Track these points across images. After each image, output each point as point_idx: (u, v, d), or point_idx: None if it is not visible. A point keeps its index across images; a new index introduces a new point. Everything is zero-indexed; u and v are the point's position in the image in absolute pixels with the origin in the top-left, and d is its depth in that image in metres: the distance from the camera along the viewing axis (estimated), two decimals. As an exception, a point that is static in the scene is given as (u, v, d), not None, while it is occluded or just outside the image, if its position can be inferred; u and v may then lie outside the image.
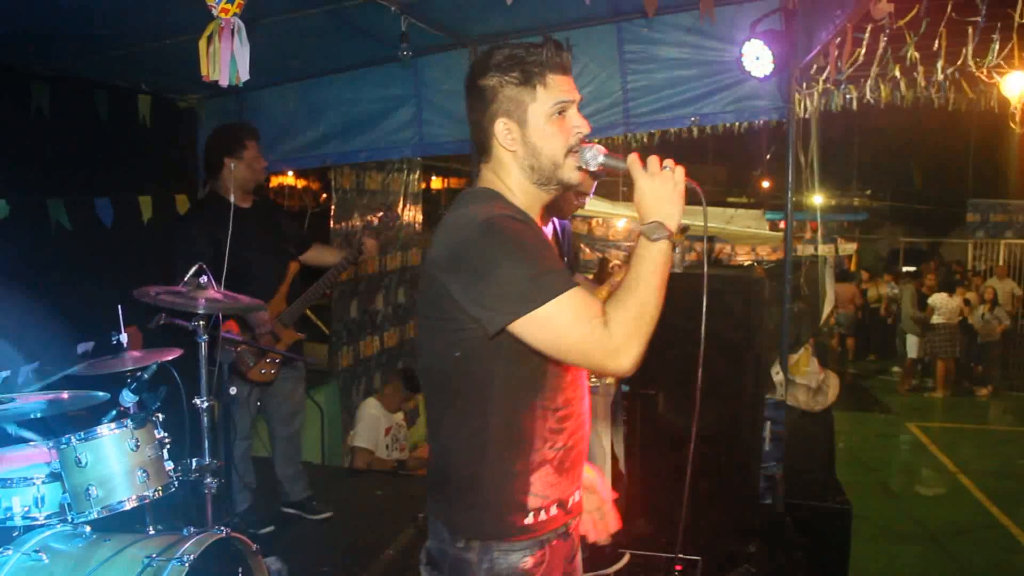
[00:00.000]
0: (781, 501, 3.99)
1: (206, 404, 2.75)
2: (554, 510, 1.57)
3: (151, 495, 2.26)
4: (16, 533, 2.18)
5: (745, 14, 4.07)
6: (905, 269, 16.63)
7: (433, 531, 1.63)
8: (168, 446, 2.40)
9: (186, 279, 2.73)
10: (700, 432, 1.62)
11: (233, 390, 3.11)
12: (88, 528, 2.20)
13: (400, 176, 6.63)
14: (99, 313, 2.64)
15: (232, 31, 2.54)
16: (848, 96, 4.80)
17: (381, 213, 3.60)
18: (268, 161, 3.78)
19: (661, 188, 1.49)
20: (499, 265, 1.42)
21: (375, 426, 5.24)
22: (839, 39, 3.63)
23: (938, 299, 11.52)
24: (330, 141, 4.98)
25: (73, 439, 2.18)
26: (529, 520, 1.54)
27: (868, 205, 20.90)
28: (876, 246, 19.95)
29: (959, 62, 4.06)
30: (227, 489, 3.00)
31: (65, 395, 2.43)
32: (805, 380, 5.40)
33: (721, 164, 20.50)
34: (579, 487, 1.66)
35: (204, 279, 2.71)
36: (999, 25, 3.83)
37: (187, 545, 2.06)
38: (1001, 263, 14.15)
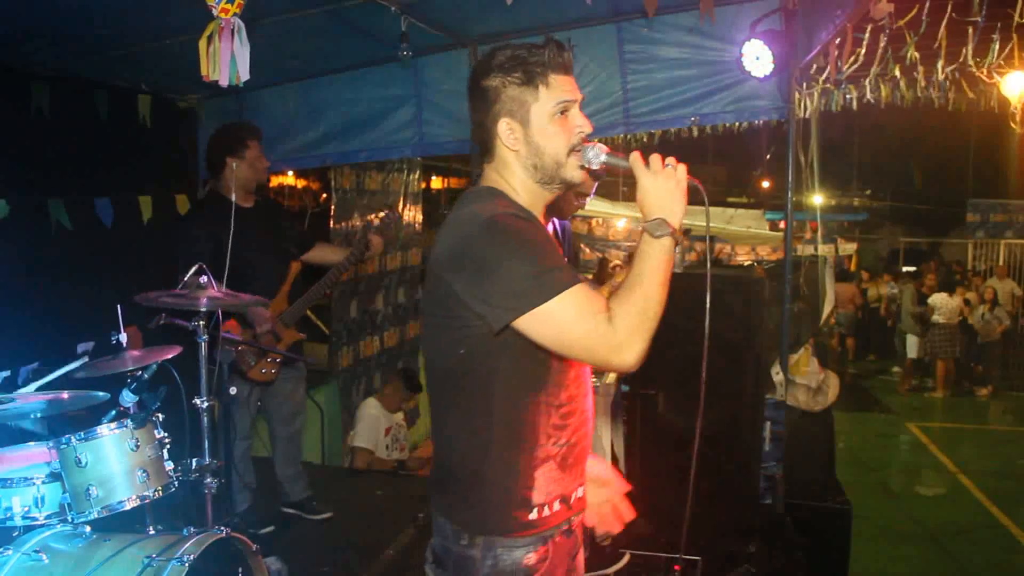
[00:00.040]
0: (781, 501, 3.99)
1: (206, 404, 2.76)
2: (557, 506, 1.58)
3: (151, 495, 2.26)
4: (16, 533, 2.18)
5: (745, 14, 4.07)
6: (905, 269, 16.64)
7: (437, 529, 1.63)
8: (168, 446, 2.40)
9: (186, 279, 2.72)
10: (701, 432, 1.62)
11: (233, 390, 3.11)
12: (88, 528, 2.20)
13: (400, 176, 6.62)
14: (99, 313, 2.64)
15: (232, 31, 2.54)
16: (848, 96, 4.80)
17: (384, 213, 3.60)
18: (268, 161, 3.78)
19: (664, 185, 1.51)
20: (503, 262, 1.43)
21: (375, 426, 5.24)
22: (839, 39, 3.64)
23: (938, 299, 11.52)
24: (330, 141, 4.98)
25: (73, 439, 2.17)
26: (533, 516, 1.55)
27: (868, 205, 20.92)
28: (876, 246, 19.96)
29: (959, 62, 4.07)
30: (227, 489, 3.00)
31: (65, 395, 2.43)
32: (805, 380, 5.40)
33: (721, 164, 20.51)
34: (582, 483, 1.67)
35: (204, 279, 2.71)
36: (999, 25, 3.83)
37: (187, 545, 2.05)
38: (1001, 263, 14.15)
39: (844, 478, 4.67)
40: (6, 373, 2.94)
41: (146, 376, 2.38)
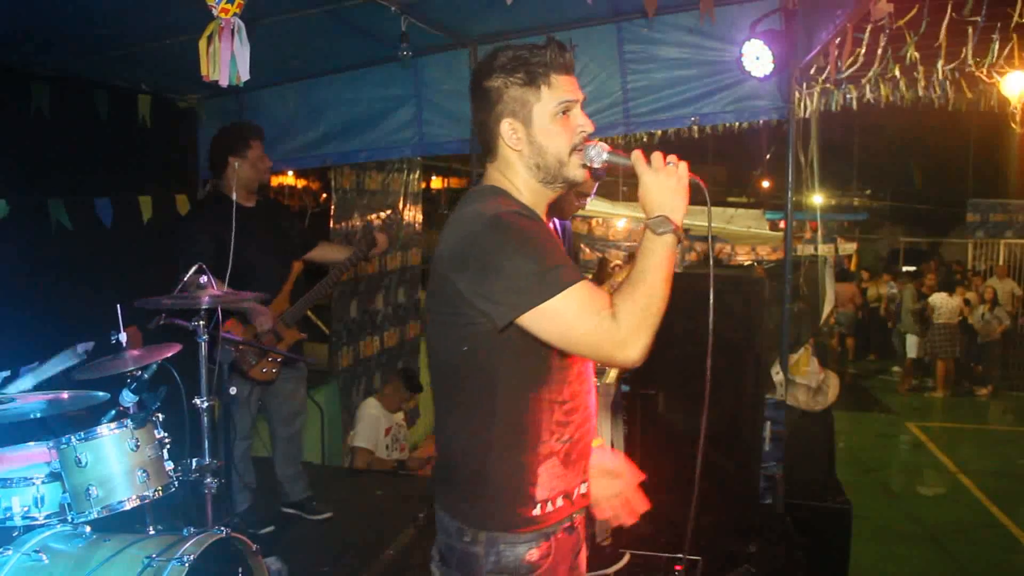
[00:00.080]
0: (781, 501, 3.99)
1: (206, 404, 2.76)
2: (560, 502, 1.59)
3: (151, 495, 2.26)
4: (16, 533, 2.18)
5: (745, 14, 4.07)
6: (905, 269, 16.64)
7: (441, 526, 1.64)
8: (168, 446, 2.40)
9: (186, 278, 2.72)
10: (704, 431, 1.62)
11: (233, 390, 3.10)
12: (88, 528, 2.20)
13: (400, 176, 6.62)
14: (99, 313, 2.64)
15: (232, 31, 2.54)
16: (848, 96, 4.81)
17: (388, 213, 3.61)
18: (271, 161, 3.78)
19: (665, 182, 1.52)
20: (507, 260, 1.44)
21: (375, 426, 5.24)
22: (839, 39, 3.64)
23: (938, 299, 11.53)
24: (330, 141, 4.98)
25: (73, 439, 2.17)
26: (536, 512, 1.56)
27: (868, 205, 20.92)
28: (876, 246, 19.96)
29: (959, 62, 4.07)
30: (227, 489, 3.00)
31: (65, 395, 2.43)
32: (805, 380, 5.40)
33: (721, 164, 20.48)
34: (586, 479, 1.68)
35: (204, 279, 2.71)
36: (999, 25, 3.84)
37: (187, 545, 2.05)
38: (1001, 263, 14.15)
39: (844, 478, 4.67)
40: (6, 373, 2.94)
41: (146, 376, 2.38)
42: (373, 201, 6.22)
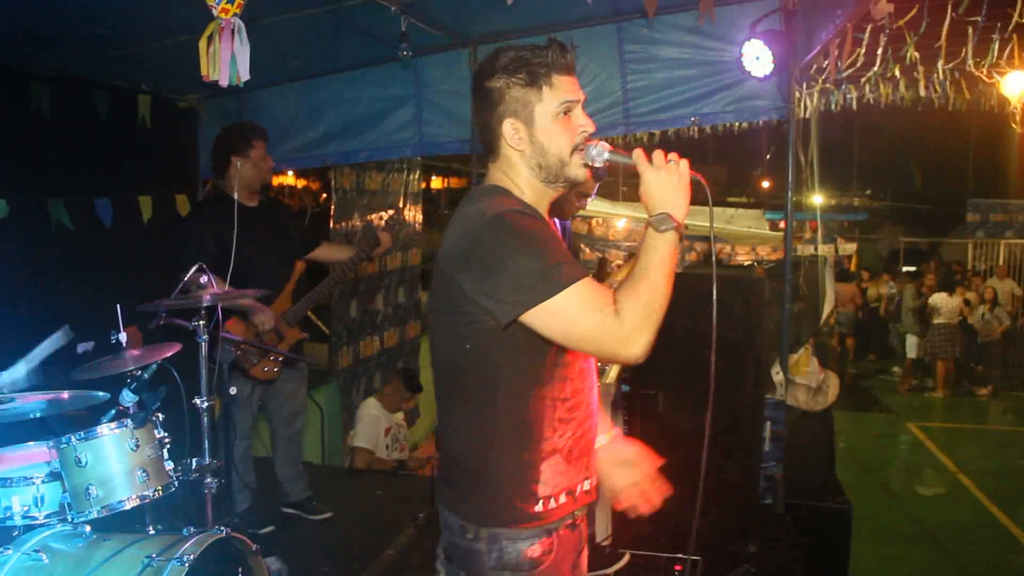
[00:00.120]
0: (781, 501, 3.99)
1: (206, 404, 2.76)
2: (563, 498, 1.60)
3: (151, 495, 2.26)
4: (16, 533, 2.18)
5: (745, 14, 4.07)
6: (905, 269, 16.63)
7: (444, 524, 1.65)
8: (168, 446, 2.40)
9: (186, 278, 2.72)
10: (701, 432, 1.62)
11: (233, 390, 3.10)
12: (88, 528, 2.20)
13: (400, 176, 6.62)
14: (99, 313, 2.64)
15: (232, 31, 2.54)
16: (848, 96, 4.81)
17: (391, 213, 3.62)
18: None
19: (667, 180, 1.53)
20: (510, 258, 1.45)
21: (375, 426, 5.24)
22: (839, 39, 3.64)
23: (938, 299, 11.53)
24: (330, 141, 4.98)
25: (73, 439, 2.17)
26: (538, 508, 1.56)
27: (868, 205, 20.91)
28: (876, 246, 19.95)
29: (959, 62, 4.07)
30: (227, 489, 3.00)
31: (65, 395, 2.43)
32: (805, 380, 5.40)
33: (721, 164, 20.48)
34: (588, 476, 1.68)
35: (204, 279, 2.71)
36: (999, 25, 3.83)
37: (187, 545, 2.05)
38: (1001, 263, 14.15)
39: (844, 478, 4.67)
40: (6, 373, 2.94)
41: (146, 376, 2.38)
42: (373, 201, 6.22)
